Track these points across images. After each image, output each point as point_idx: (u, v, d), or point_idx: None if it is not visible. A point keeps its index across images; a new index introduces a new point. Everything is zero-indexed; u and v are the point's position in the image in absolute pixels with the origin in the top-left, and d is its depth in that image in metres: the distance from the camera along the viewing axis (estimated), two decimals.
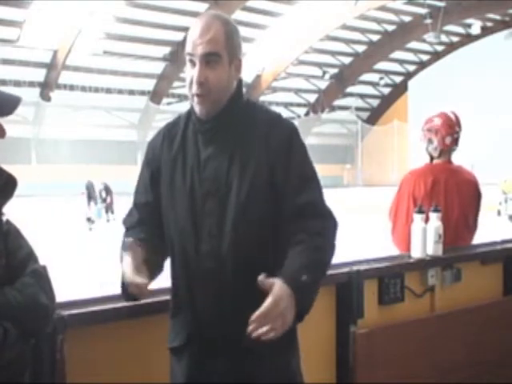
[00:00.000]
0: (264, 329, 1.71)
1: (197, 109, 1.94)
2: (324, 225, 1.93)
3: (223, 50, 1.90)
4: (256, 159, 1.92)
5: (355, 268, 2.73)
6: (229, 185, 1.91)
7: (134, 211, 2.06)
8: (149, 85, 30.67)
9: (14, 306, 1.56)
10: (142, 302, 2.12)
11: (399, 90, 37.64)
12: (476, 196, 3.71)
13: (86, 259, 11.92)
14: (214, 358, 1.93)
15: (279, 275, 1.79)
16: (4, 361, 1.52)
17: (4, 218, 1.69)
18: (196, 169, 1.95)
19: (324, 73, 33.39)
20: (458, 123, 3.66)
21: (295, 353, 2.06)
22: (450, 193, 3.58)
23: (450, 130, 3.62)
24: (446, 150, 3.66)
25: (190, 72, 1.92)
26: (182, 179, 1.96)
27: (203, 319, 1.93)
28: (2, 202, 1.66)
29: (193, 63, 1.91)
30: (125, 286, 1.85)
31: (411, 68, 36.52)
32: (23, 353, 1.59)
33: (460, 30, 32.06)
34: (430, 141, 3.66)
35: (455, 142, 3.67)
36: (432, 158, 3.71)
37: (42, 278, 1.67)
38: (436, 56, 35.15)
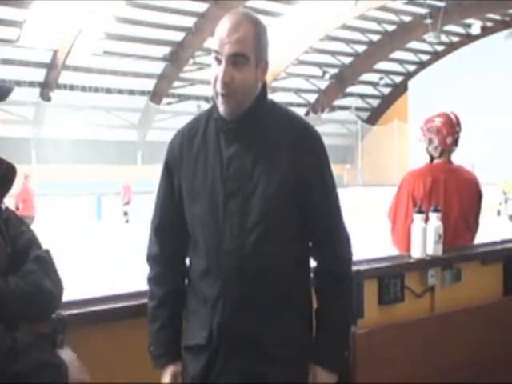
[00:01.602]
0: None
1: (221, 108, 1.92)
2: (345, 256, 2.03)
3: (251, 51, 1.87)
4: (282, 161, 1.91)
5: (355, 268, 2.73)
6: (253, 185, 1.90)
7: (154, 216, 2.07)
8: (149, 85, 30.62)
9: (18, 294, 1.56)
10: (142, 302, 2.12)
11: (399, 90, 37.60)
12: (476, 196, 3.71)
13: None
14: (230, 357, 1.92)
15: (320, 361, 1.98)
16: (21, 367, 1.52)
17: (3, 206, 1.69)
18: (218, 168, 1.93)
19: (324, 73, 33.34)
20: (458, 123, 3.67)
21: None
22: (450, 193, 3.58)
23: (451, 130, 3.63)
24: (447, 150, 3.67)
25: (216, 70, 1.88)
26: (204, 178, 1.94)
27: (224, 318, 1.92)
28: (4, 190, 1.66)
29: (219, 61, 1.88)
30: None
31: (411, 68, 36.48)
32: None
33: (460, 29, 32.02)
34: (430, 141, 3.67)
35: (455, 142, 3.67)
36: (432, 159, 3.71)
37: (45, 263, 1.67)
38: (436, 56, 35.11)
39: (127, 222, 20.68)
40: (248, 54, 1.87)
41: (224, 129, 1.94)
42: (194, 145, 1.98)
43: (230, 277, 1.90)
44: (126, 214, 21.10)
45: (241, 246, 1.90)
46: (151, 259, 2.05)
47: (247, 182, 1.91)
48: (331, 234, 1.99)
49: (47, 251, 1.71)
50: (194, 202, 1.95)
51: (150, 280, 2.05)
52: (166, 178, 2.03)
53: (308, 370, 2.02)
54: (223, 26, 1.89)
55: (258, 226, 1.89)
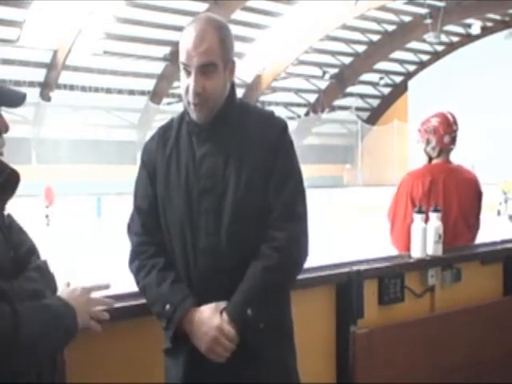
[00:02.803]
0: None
1: (193, 116, 1.96)
2: (290, 234, 1.92)
3: (218, 58, 1.91)
4: (251, 158, 1.94)
5: (355, 268, 2.73)
6: (225, 182, 1.92)
7: (136, 217, 2.05)
8: (149, 85, 30.63)
9: (21, 296, 1.56)
10: (142, 302, 2.12)
11: (399, 90, 37.60)
12: (476, 195, 3.71)
13: None
14: (209, 358, 1.91)
15: (226, 309, 1.87)
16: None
17: (5, 213, 1.69)
18: (191, 166, 1.96)
19: (324, 73, 33.34)
20: (455, 122, 3.68)
21: (292, 352, 2.07)
22: (449, 193, 3.59)
23: (448, 129, 3.64)
24: (445, 150, 3.67)
25: (186, 81, 1.92)
26: (177, 176, 1.97)
27: None
28: (6, 196, 1.66)
29: (188, 72, 1.91)
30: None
31: (411, 68, 36.48)
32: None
33: (460, 30, 32.02)
34: (428, 141, 3.68)
35: (453, 140, 3.68)
36: (430, 159, 3.72)
37: (45, 273, 1.67)
38: (436, 56, 35.10)
39: (48, 225, 20.42)
40: (216, 61, 1.91)
41: (196, 131, 1.98)
42: (166, 147, 2.02)
43: (207, 275, 1.92)
44: (47, 216, 20.92)
45: (216, 244, 1.92)
46: (150, 259, 2.01)
47: (219, 180, 1.93)
48: (285, 224, 1.93)
49: (45, 262, 1.72)
50: (169, 200, 1.98)
51: (145, 262, 1.99)
52: (147, 178, 2.05)
53: (288, 364, 2.03)
54: (188, 37, 1.91)
55: (232, 225, 1.91)
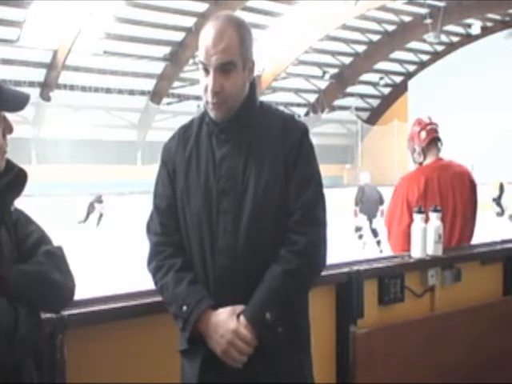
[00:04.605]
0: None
1: (212, 114, 1.95)
2: (310, 238, 1.92)
3: (237, 57, 1.90)
4: (271, 160, 1.94)
5: (355, 268, 2.74)
6: (245, 184, 1.92)
7: (155, 216, 2.05)
8: (149, 85, 30.60)
9: (21, 279, 1.55)
10: (142, 302, 2.13)
11: (399, 89, 37.56)
12: (470, 186, 3.75)
13: None
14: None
15: (244, 312, 1.87)
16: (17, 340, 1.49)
17: (12, 207, 1.69)
18: (211, 167, 1.96)
19: (324, 73, 33.31)
20: (429, 120, 3.77)
21: (308, 356, 2.07)
22: (445, 189, 3.64)
23: (420, 126, 3.73)
24: (430, 148, 3.73)
25: (205, 80, 1.92)
26: (197, 177, 1.97)
27: None
28: (14, 196, 1.66)
29: (207, 71, 1.90)
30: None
31: (411, 68, 36.45)
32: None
33: (460, 30, 32.00)
34: (414, 150, 3.77)
35: (432, 135, 3.73)
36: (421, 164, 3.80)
37: (55, 257, 1.66)
38: (436, 56, 35.07)
39: None
40: (235, 60, 1.90)
41: (215, 132, 1.98)
42: (187, 147, 2.02)
43: (224, 275, 1.92)
44: None
45: (234, 244, 1.91)
46: (168, 258, 2.00)
47: (239, 181, 1.93)
48: (305, 228, 1.93)
49: (59, 247, 1.70)
50: (188, 200, 1.97)
51: (163, 262, 1.99)
52: (167, 177, 2.05)
53: (304, 367, 2.03)
54: (207, 36, 1.89)
55: (250, 226, 1.91)
